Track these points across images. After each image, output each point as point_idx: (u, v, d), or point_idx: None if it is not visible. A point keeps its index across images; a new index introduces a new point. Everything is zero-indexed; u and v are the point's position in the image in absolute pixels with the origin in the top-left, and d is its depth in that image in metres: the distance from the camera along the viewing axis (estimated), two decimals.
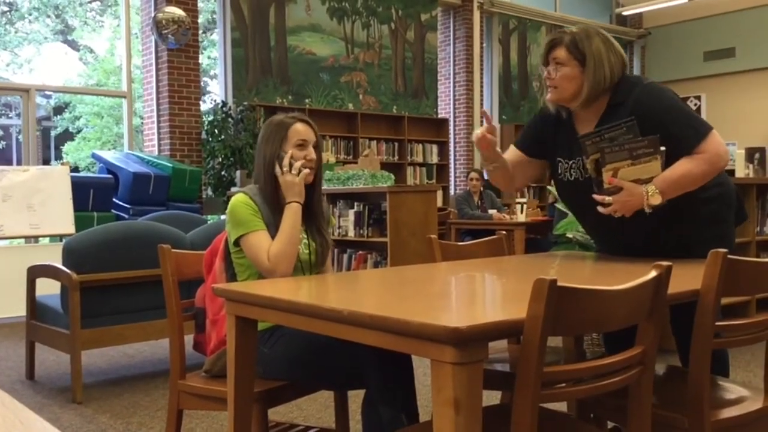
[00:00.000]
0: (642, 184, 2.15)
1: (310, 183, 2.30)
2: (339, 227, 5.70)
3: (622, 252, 2.40)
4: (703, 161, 2.18)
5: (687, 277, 1.84)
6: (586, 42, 2.29)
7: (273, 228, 2.20)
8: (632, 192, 2.15)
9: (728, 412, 1.77)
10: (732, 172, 6.59)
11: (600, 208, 2.20)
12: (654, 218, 2.19)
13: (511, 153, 2.53)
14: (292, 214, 2.20)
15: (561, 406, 2.57)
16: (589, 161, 2.21)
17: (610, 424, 2.26)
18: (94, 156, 8.03)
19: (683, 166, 2.18)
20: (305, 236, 2.28)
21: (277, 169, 2.23)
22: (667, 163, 2.18)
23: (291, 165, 2.23)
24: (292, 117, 2.32)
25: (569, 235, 4.40)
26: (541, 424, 1.34)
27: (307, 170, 2.25)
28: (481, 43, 11.13)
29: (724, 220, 2.36)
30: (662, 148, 2.14)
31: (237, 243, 2.20)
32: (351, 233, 5.62)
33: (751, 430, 1.82)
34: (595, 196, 2.20)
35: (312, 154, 2.28)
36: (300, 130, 2.28)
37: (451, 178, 10.87)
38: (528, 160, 2.52)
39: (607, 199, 2.18)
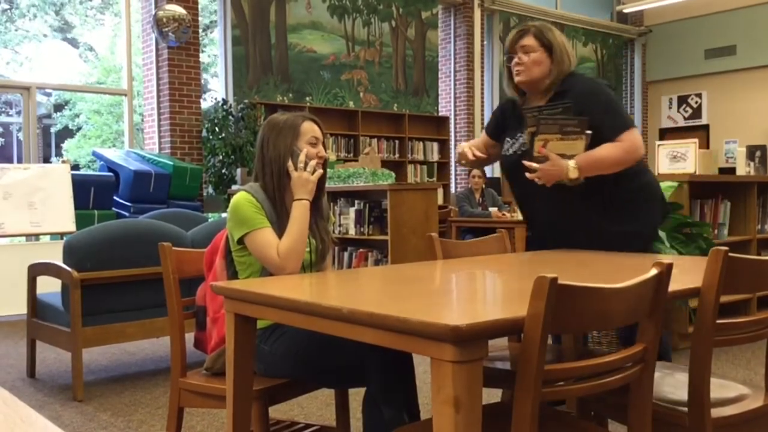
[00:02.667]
0: (566, 159, 2.41)
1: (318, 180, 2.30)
2: (339, 225, 5.70)
3: (545, 229, 2.70)
4: (622, 149, 2.47)
5: (687, 275, 1.84)
6: (550, 33, 2.61)
7: (275, 226, 2.20)
8: (556, 163, 2.42)
9: (729, 410, 1.77)
10: (733, 170, 6.58)
11: (527, 174, 2.46)
12: (574, 200, 2.50)
13: (484, 138, 2.92)
14: (302, 210, 2.20)
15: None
16: (527, 133, 2.49)
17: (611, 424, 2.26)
18: (94, 154, 8.03)
19: (603, 150, 2.47)
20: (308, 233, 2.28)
21: (290, 165, 2.22)
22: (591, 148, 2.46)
23: (306, 163, 2.22)
24: (301, 115, 2.33)
25: None
26: (542, 422, 1.34)
27: (320, 170, 2.25)
28: (482, 41, 11.12)
29: (644, 213, 2.63)
30: (589, 132, 2.41)
31: (240, 241, 2.19)
32: (351, 231, 5.61)
33: (752, 427, 1.82)
34: (525, 162, 2.46)
35: (323, 152, 2.30)
36: (312, 128, 2.29)
37: (452, 176, 10.86)
38: (494, 144, 2.87)
39: (534, 165, 2.43)
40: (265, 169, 2.27)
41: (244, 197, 2.20)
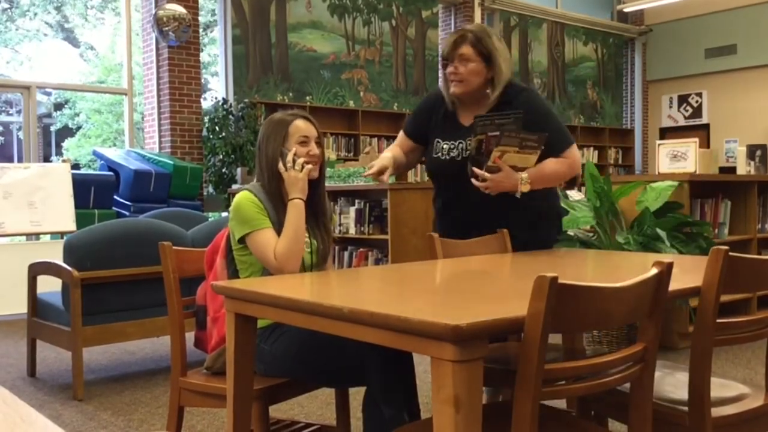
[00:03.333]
0: (517, 171, 2.44)
1: (315, 179, 2.30)
2: (340, 225, 5.69)
3: (460, 228, 2.67)
4: (566, 164, 2.57)
5: (687, 274, 1.84)
6: (488, 40, 2.54)
7: (278, 226, 2.20)
8: (509, 175, 2.43)
9: (729, 409, 1.77)
10: (733, 169, 6.58)
11: (475, 181, 2.44)
12: (496, 211, 2.55)
13: (404, 141, 2.84)
14: (296, 210, 2.20)
15: (561, 403, 2.57)
16: (474, 140, 2.46)
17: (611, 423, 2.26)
18: (95, 153, 8.03)
19: (551, 166, 2.55)
20: (307, 233, 2.28)
21: (281, 166, 2.23)
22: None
23: (294, 161, 2.23)
24: (292, 114, 2.32)
25: (570, 232, 4.40)
26: (542, 421, 1.34)
27: (310, 166, 2.24)
28: None
29: (544, 231, 2.74)
30: (542, 147, 2.45)
31: (241, 240, 2.19)
32: (352, 230, 5.61)
33: (752, 427, 1.82)
34: (476, 170, 2.44)
35: (315, 149, 2.28)
36: (301, 126, 2.28)
37: None
38: (416, 146, 2.83)
39: (487, 175, 2.42)
40: (262, 171, 2.28)
41: (246, 197, 2.20)
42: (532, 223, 2.67)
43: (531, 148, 2.41)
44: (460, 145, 2.61)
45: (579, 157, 2.64)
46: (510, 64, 2.60)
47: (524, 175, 2.45)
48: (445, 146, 2.66)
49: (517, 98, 2.57)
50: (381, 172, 2.54)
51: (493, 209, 2.58)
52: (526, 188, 2.46)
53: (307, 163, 2.25)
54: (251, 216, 2.17)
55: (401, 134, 2.86)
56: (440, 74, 2.70)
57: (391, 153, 2.74)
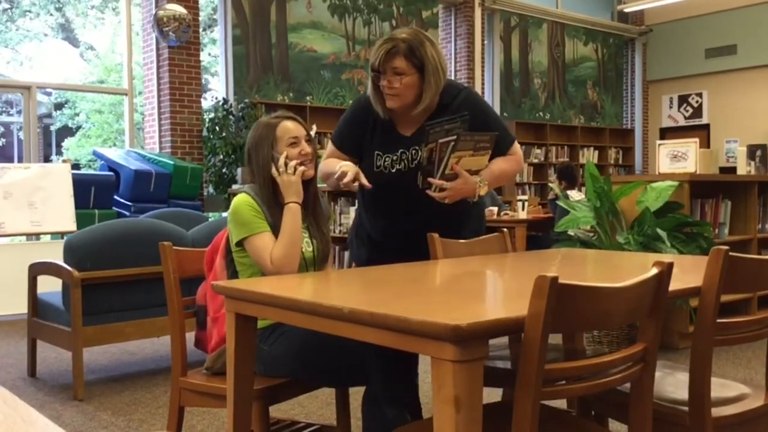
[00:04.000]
0: (472, 174, 2.35)
1: (311, 177, 2.29)
2: (340, 225, 5.69)
3: (401, 238, 2.54)
4: (515, 162, 2.55)
5: (687, 274, 1.84)
6: (422, 49, 2.36)
7: (275, 229, 2.20)
8: (467, 181, 2.33)
9: (729, 410, 1.77)
10: (733, 169, 6.58)
11: (431, 192, 2.32)
12: (451, 215, 2.46)
13: (337, 155, 2.57)
14: (292, 215, 2.19)
15: (561, 403, 2.57)
16: (426, 149, 2.32)
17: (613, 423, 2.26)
18: (95, 153, 8.03)
19: (502, 164, 2.49)
20: (306, 234, 2.28)
21: (274, 170, 2.21)
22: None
23: (286, 165, 2.21)
24: (277, 116, 2.30)
25: (570, 232, 4.40)
26: (542, 421, 1.34)
27: (303, 168, 2.23)
28: (483, 40, 11.11)
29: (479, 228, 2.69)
30: (493, 146, 2.38)
31: (239, 243, 2.19)
32: None
33: (752, 427, 1.82)
34: (433, 180, 2.31)
35: (306, 148, 2.27)
36: (290, 127, 2.26)
37: None
38: (350, 160, 2.52)
39: (446, 183, 2.31)
40: (255, 177, 2.26)
41: (244, 200, 2.20)
42: (476, 220, 2.66)
43: (484, 149, 2.36)
44: (404, 156, 2.46)
45: (521, 153, 2.60)
46: (445, 68, 2.45)
47: (481, 177, 2.39)
48: (387, 159, 2.49)
49: (454, 101, 2.46)
50: (356, 178, 2.33)
51: (446, 217, 2.49)
52: (484, 191, 2.41)
53: (301, 163, 2.24)
54: (248, 220, 2.17)
55: (332, 148, 2.60)
56: (369, 85, 2.51)
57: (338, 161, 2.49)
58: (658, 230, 4.01)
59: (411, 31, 2.41)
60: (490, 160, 2.43)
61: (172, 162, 7.29)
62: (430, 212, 2.42)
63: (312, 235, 2.30)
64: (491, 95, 11.50)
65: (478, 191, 2.39)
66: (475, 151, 2.33)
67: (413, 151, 2.44)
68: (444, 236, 2.45)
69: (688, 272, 1.90)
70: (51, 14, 14.26)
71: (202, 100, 8.34)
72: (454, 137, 2.27)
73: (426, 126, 2.32)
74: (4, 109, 14.04)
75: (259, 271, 2.21)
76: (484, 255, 2.51)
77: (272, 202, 2.23)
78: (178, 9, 7.69)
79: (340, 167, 2.32)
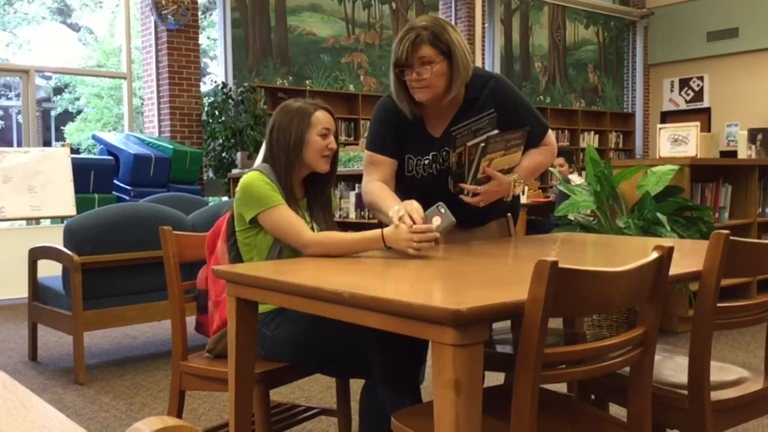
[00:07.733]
0: (505, 173, 2.26)
1: (328, 171, 2.27)
2: (341, 209, 5.69)
3: None
4: (548, 153, 2.43)
5: (688, 258, 1.83)
6: (445, 34, 2.22)
7: None
8: (501, 182, 2.23)
9: (728, 393, 1.77)
10: (734, 153, 6.57)
11: (463, 197, 2.22)
12: (480, 212, 2.33)
13: (383, 162, 2.40)
14: (366, 243, 2.06)
15: (561, 387, 2.58)
16: (454, 154, 2.23)
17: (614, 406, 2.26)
18: (94, 137, 8.02)
19: (536, 158, 2.39)
20: (311, 221, 2.26)
21: (392, 214, 2.04)
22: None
23: (404, 217, 2.02)
24: (314, 103, 2.27)
25: (571, 216, 4.40)
26: (542, 405, 1.35)
27: (417, 250, 2.01)
28: (483, 24, 11.06)
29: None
30: (524, 142, 2.28)
31: (252, 221, 2.16)
32: (352, 215, 5.61)
33: (752, 410, 1.83)
34: (465, 186, 2.20)
35: (333, 143, 2.25)
36: (323, 118, 2.23)
37: None
38: (395, 164, 2.41)
39: (479, 188, 2.21)
40: (275, 155, 2.23)
41: (256, 176, 2.16)
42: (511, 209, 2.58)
43: (516, 146, 2.25)
44: (436, 158, 2.35)
45: (555, 141, 2.47)
46: (469, 55, 2.29)
47: (515, 176, 2.29)
48: (419, 163, 2.38)
49: (482, 92, 2.32)
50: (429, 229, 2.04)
51: (478, 215, 2.41)
52: (519, 189, 2.32)
53: (325, 156, 2.22)
54: (264, 194, 2.12)
55: (375, 157, 2.40)
56: (392, 85, 2.31)
57: (392, 196, 2.30)
58: (659, 214, 4.01)
59: (430, 18, 2.29)
60: (524, 153, 2.32)
61: (171, 146, 7.28)
62: (464, 213, 2.27)
63: (318, 226, 2.27)
64: None
65: (512, 191, 2.29)
66: (506, 151, 2.22)
67: (444, 153, 2.33)
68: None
69: (689, 256, 1.90)
70: None
71: (201, 84, 8.31)
72: (483, 138, 2.16)
73: (453, 131, 2.24)
74: (2, 92, 14.00)
75: (263, 253, 2.18)
76: (485, 240, 2.51)
77: (285, 181, 2.20)
78: None
79: (394, 214, 2.06)
